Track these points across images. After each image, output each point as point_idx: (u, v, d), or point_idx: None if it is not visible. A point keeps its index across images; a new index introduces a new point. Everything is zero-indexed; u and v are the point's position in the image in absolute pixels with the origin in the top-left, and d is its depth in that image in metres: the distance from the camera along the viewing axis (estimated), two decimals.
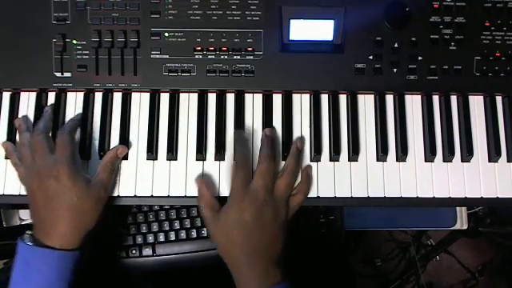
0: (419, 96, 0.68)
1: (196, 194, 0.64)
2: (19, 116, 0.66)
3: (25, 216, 0.82)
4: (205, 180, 0.64)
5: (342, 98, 0.68)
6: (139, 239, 0.75)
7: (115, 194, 0.64)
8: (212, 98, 0.67)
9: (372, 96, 0.68)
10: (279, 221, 0.61)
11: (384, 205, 0.66)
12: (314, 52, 0.67)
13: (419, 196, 0.65)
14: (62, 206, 0.59)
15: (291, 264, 0.62)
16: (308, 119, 0.67)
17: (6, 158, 0.65)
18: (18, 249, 0.59)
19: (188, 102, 0.67)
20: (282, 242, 0.62)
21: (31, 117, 0.66)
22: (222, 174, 0.65)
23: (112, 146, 0.65)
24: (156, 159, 0.65)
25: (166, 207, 0.76)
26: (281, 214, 0.61)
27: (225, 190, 0.65)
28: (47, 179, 0.59)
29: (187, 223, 0.76)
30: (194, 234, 0.76)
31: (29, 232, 0.60)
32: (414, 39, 0.67)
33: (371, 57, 0.67)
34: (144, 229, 0.76)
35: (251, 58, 0.67)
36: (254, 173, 0.62)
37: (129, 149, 0.66)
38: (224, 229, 0.60)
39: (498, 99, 0.69)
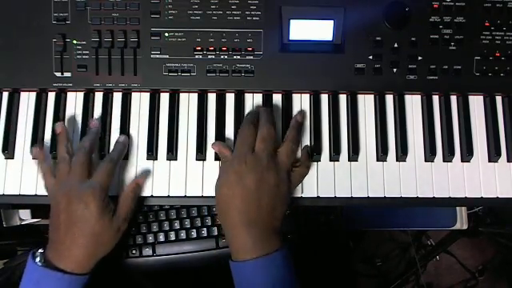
0: (419, 96, 0.68)
1: (196, 194, 0.64)
2: (19, 116, 0.66)
3: (25, 216, 0.82)
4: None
5: (342, 98, 0.68)
6: (139, 239, 0.75)
7: (115, 194, 0.64)
8: (212, 98, 0.67)
9: (372, 96, 0.68)
10: (280, 189, 0.60)
11: (384, 205, 0.66)
12: (313, 52, 0.67)
13: (419, 196, 0.65)
14: (83, 233, 0.58)
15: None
16: (308, 119, 0.67)
17: (6, 158, 0.65)
18: (28, 266, 0.59)
19: (188, 102, 0.67)
20: (282, 212, 0.61)
21: (31, 117, 0.66)
22: None
23: (112, 146, 0.65)
24: (156, 159, 0.65)
25: (166, 207, 0.76)
26: (282, 182, 0.60)
27: None
28: (76, 203, 0.58)
29: (187, 223, 0.76)
30: (194, 234, 0.75)
31: (40, 250, 0.59)
32: (413, 39, 0.67)
33: (371, 57, 0.67)
34: (144, 229, 0.76)
35: (251, 57, 0.67)
36: (257, 138, 0.62)
37: (129, 149, 0.66)
38: (223, 186, 0.60)
39: (498, 99, 0.69)
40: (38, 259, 0.58)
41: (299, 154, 0.65)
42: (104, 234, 0.59)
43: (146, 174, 0.65)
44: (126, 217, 0.62)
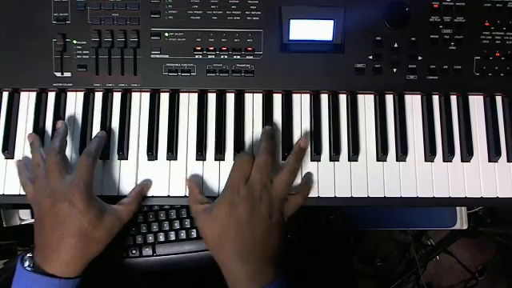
0: (419, 96, 0.68)
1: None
2: (19, 116, 0.66)
3: (25, 216, 0.82)
4: (192, 179, 0.64)
5: (342, 98, 0.68)
6: (139, 239, 0.75)
7: (115, 194, 0.64)
8: (212, 98, 0.67)
9: (372, 96, 0.68)
10: (274, 219, 0.59)
11: (384, 205, 0.66)
12: (313, 52, 0.67)
13: (419, 196, 0.65)
14: (71, 232, 0.56)
15: (291, 264, 0.62)
16: (308, 119, 0.67)
17: (6, 158, 0.65)
18: (16, 272, 0.58)
19: (188, 102, 0.67)
20: (277, 242, 0.59)
21: (31, 117, 0.66)
22: (222, 174, 0.65)
23: (112, 146, 0.65)
24: (156, 159, 0.65)
25: (166, 207, 0.76)
26: (276, 212, 0.59)
27: None
28: (60, 202, 0.57)
29: (187, 223, 0.76)
30: (194, 233, 0.75)
31: (29, 255, 0.58)
32: (413, 39, 0.67)
33: (371, 57, 0.67)
34: (144, 229, 0.76)
35: (251, 57, 0.67)
36: (253, 167, 0.61)
37: (128, 149, 0.66)
38: (215, 222, 0.58)
39: (498, 99, 0.69)
40: (26, 263, 0.57)
41: (298, 180, 0.64)
42: (93, 231, 0.57)
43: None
44: (121, 219, 0.61)
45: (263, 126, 0.66)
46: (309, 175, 0.65)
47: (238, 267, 0.57)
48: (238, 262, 0.57)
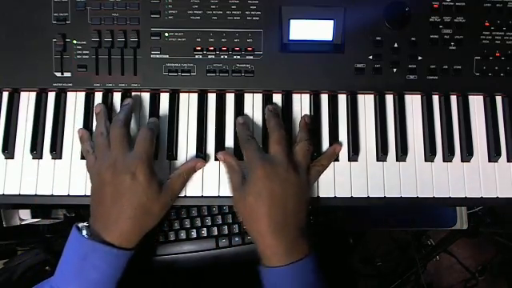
0: (419, 96, 0.68)
1: (195, 194, 0.64)
2: (19, 116, 0.66)
3: (25, 216, 0.82)
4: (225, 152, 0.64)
5: (342, 98, 0.68)
6: None
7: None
8: (212, 98, 0.67)
9: (372, 96, 0.68)
10: (303, 189, 0.60)
11: (384, 205, 0.66)
12: (313, 52, 0.67)
13: (419, 196, 0.65)
14: (132, 204, 0.57)
15: None
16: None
17: (6, 158, 0.65)
18: (72, 240, 0.58)
19: (188, 102, 0.67)
20: (306, 212, 0.60)
21: (31, 117, 0.66)
22: (222, 173, 0.65)
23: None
24: (156, 159, 0.65)
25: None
26: (304, 182, 0.60)
27: (225, 190, 0.65)
28: (123, 174, 0.57)
29: (187, 223, 0.76)
30: (194, 234, 0.76)
31: (85, 224, 0.59)
32: (413, 39, 0.67)
33: (371, 57, 0.67)
34: None
35: (251, 57, 0.67)
36: (269, 143, 0.62)
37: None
38: (249, 197, 0.59)
39: (498, 99, 0.69)
40: (84, 232, 0.58)
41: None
42: (152, 204, 0.58)
43: (204, 162, 0.65)
44: (174, 193, 0.62)
45: (263, 126, 0.66)
46: (335, 148, 0.65)
47: (273, 241, 0.58)
48: (273, 236, 0.58)
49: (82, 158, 0.65)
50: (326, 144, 0.67)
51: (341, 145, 0.66)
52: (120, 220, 0.57)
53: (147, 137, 0.60)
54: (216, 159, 0.65)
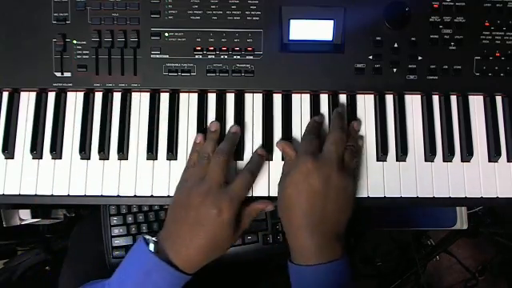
0: (419, 96, 0.68)
1: None
2: (19, 116, 0.66)
3: (25, 216, 0.82)
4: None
5: (342, 98, 0.68)
6: None
7: (115, 194, 0.64)
8: (212, 98, 0.67)
9: (372, 96, 0.68)
10: (348, 191, 0.60)
11: (384, 205, 0.66)
12: (313, 52, 0.67)
13: (419, 196, 0.65)
14: (207, 236, 0.57)
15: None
16: (308, 119, 0.67)
17: (7, 158, 0.65)
18: (139, 253, 0.58)
19: (188, 102, 0.67)
20: (348, 216, 0.60)
21: (31, 117, 0.66)
22: None
23: (112, 146, 0.65)
24: (156, 159, 0.65)
25: (166, 207, 0.76)
26: (349, 186, 0.60)
27: None
28: (211, 207, 0.57)
29: None
30: None
31: (153, 239, 0.59)
32: (413, 39, 0.67)
33: (371, 57, 0.67)
34: (144, 229, 0.76)
35: (251, 57, 0.67)
36: (325, 141, 0.62)
37: (128, 149, 0.66)
38: (288, 186, 0.59)
39: (498, 99, 0.69)
40: (151, 247, 0.57)
41: None
42: (225, 240, 0.59)
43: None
44: (243, 231, 0.62)
45: (263, 126, 0.66)
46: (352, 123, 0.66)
47: (306, 238, 0.57)
48: (307, 232, 0.57)
49: (82, 158, 0.65)
50: None
51: (357, 123, 0.66)
52: (191, 246, 0.57)
53: (246, 181, 0.60)
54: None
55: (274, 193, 0.64)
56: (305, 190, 0.58)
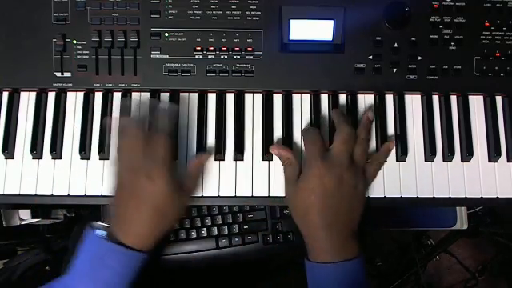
0: (419, 96, 0.68)
1: (196, 194, 0.64)
2: (19, 116, 0.66)
3: (25, 216, 0.82)
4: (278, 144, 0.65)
5: (342, 98, 0.68)
6: None
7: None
8: (212, 98, 0.67)
9: (372, 96, 0.68)
10: (359, 189, 0.61)
11: (384, 205, 0.66)
12: (313, 52, 0.67)
13: (419, 196, 0.65)
14: (149, 207, 0.57)
15: (291, 264, 0.62)
16: (308, 119, 0.67)
17: (7, 158, 0.65)
18: (89, 240, 0.58)
19: (188, 102, 0.67)
20: (360, 213, 0.61)
21: (31, 117, 0.66)
22: (222, 173, 0.65)
23: (112, 146, 0.65)
24: None
25: None
26: (360, 182, 0.61)
27: (225, 190, 0.65)
28: (142, 178, 0.57)
29: (187, 223, 0.76)
30: (193, 234, 0.75)
31: (102, 224, 0.59)
32: (413, 39, 0.67)
33: (371, 57, 0.67)
34: None
35: (251, 57, 0.67)
36: (334, 139, 0.62)
37: None
38: (302, 193, 0.60)
39: (498, 99, 0.68)
40: (99, 232, 0.58)
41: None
42: (170, 208, 0.59)
43: (208, 154, 0.65)
44: (191, 193, 0.62)
45: (263, 126, 0.66)
46: (389, 145, 0.65)
47: (323, 236, 0.58)
48: (323, 231, 0.58)
49: (82, 158, 0.65)
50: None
51: (394, 142, 0.66)
52: (137, 223, 0.58)
53: (164, 141, 0.60)
54: (216, 159, 0.65)
55: (274, 193, 0.65)
56: (320, 192, 0.59)
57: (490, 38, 0.67)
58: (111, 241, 0.56)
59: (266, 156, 0.65)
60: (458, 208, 0.90)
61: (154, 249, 0.60)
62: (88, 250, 0.58)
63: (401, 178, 0.66)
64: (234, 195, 0.65)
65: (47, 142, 0.66)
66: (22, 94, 0.67)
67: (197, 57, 0.66)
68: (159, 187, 0.57)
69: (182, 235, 0.76)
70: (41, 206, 0.83)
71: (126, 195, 0.58)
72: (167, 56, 0.66)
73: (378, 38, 0.67)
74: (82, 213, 0.90)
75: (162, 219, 0.59)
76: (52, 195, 0.65)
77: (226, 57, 0.66)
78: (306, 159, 0.62)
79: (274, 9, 0.67)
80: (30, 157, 0.65)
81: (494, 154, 0.66)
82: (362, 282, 0.58)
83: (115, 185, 0.60)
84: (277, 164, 0.65)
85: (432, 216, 0.91)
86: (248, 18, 0.67)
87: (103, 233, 0.58)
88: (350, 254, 0.58)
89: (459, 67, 0.67)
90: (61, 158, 0.66)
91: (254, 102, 0.68)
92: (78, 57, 0.66)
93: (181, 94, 0.67)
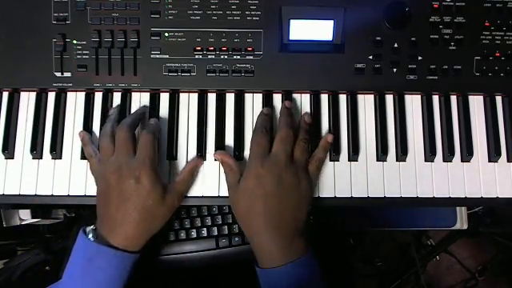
0: (419, 96, 0.68)
1: (196, 195, 0.64)
2: (19, 116, 0.66)
3: (25, 216, 0.82)
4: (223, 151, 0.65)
5: (342, 98, 0.68)
6: None
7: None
8: (212, 98, 0.67)
9: (372, 96, 0.68)
10: (302, 187, 0.60)
11: (384, 205, 0.66)
12: (313, 52, 0.67)
13: (419, 196, 0.65)
14: (136, 208, 0.57)
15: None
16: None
17: (7, 158, 0.65)
18: (79, 243, 0.58)
19: (188, 102, 0.67)
20: (305, 212, 0.60)
21: (31, 117, 0.66)
22: (222, 173, 0.65)
23: None
24: None
25: None
26: (302, 180, 0.60)
27: (225, 190, 0.65)
28: (128, 178, 0.57)
29: (187, 223, 0.76)
30: (193, 234, 0.75)
31: (92, 227, 0.60)
32: (413, 39, 0.67)
33: (371, 57, 0.67)
34: None
35: (251, 57, 0.67)
36: (274, 140, 0.62)
37: None
38: (243, 194, 0.59)
39: (498, 99, 0.69)
40: (90, 235, 0.58)
41: None
42: (157, 208, 0.59)
43: (201, 159, 0.65)
44: (181, 194, 0.62)
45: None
46: (327, 138, 0.65)
47: (267, 240, 0.58)
48: (267, 235, 0.58)
49: (82, 158, 0.65)
50: None
51: (332, 135, 0.65)
52: (125, 223, 0.58)
53: (148, 141, 0.60)
54: (216, 159, 0.65)
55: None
56: (260, 194, 0.58)
57: (489, 38, 0.67)
58: (101, 243, 0.57)
59: None
60: (457, 208, 0.91)
61: (146, 249, 0.60)
62: (78, 253, 0.58)
63: (401, 178, 0.66)
64: None
65: (47, 142, 0.66)
66: (22, 94, 0.67)
67: (197, 57, 0.66)
68: (146, 187, 0.58)
69: (182, 235, 0.76)
70: (41, 205, 0.83)
71: (113, 197, 0.58)
72: (167, 56, 0.66)
73: (378, 38, 0.67)
74: (81, 213, 0.90)
75: (150, 219, 0.59)
76: (52, 195, 0.65)
77: (225, 57, 0.66)
78: (249, 158, 0.62)
79: (273, 9, 0.67)
80: (30, 157, 0.65)
81: (493, 154, 0.66)
82: (311, 280, 0.58)
83: (101, 187, 0.60)
84: None
85: (432, 216, 0.91)
86: (248, 18, 0.67)
87: (90, 235, 0.59)
88: (299, 253, 0.57)
89: (459, 67, 0.67)
90: (61, 158, 0.66)
91: (253, 102, 0.68)
92: (78, 57, 0.66)
93: (181, 94, 0.67)
